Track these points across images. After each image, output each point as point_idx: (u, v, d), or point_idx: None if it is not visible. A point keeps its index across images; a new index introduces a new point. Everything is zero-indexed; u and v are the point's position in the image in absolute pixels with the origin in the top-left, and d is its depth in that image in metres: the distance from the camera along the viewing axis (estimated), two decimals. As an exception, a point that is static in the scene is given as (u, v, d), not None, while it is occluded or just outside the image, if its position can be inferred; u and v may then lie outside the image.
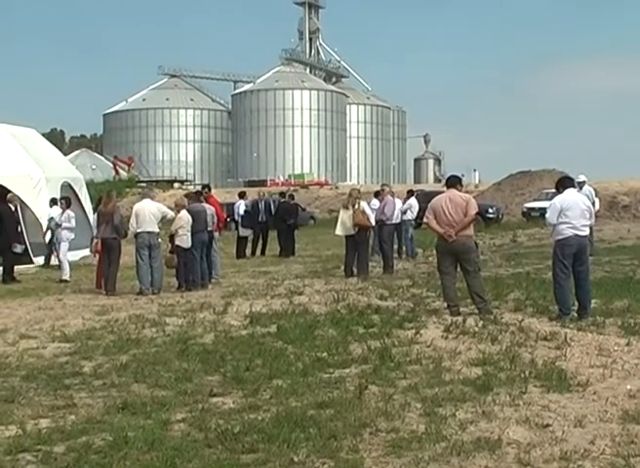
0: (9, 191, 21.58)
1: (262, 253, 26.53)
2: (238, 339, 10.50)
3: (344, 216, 18.20)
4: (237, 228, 26.82)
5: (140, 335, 10.96)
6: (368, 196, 22.50)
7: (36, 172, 24.75)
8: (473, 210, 12.23)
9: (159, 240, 16.75)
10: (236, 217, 27.10)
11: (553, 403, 7.22)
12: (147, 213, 16.50)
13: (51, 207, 21.83)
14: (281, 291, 15.71)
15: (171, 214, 16.70)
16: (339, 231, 18.44)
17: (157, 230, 16.62)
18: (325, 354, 9.33)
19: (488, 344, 9.76)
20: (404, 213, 23.47)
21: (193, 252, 16.77)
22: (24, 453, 6.08)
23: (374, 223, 18.77)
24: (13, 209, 20.15)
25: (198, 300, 14.47)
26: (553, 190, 13.29)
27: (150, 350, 9.94)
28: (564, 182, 12.36)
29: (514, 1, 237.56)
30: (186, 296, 15.33)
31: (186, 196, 18.07)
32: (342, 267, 18.77)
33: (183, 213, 16.68)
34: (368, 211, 18.46)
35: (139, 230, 16.43)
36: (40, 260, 22.86)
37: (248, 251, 26.31)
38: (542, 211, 12.91)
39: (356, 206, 18.02)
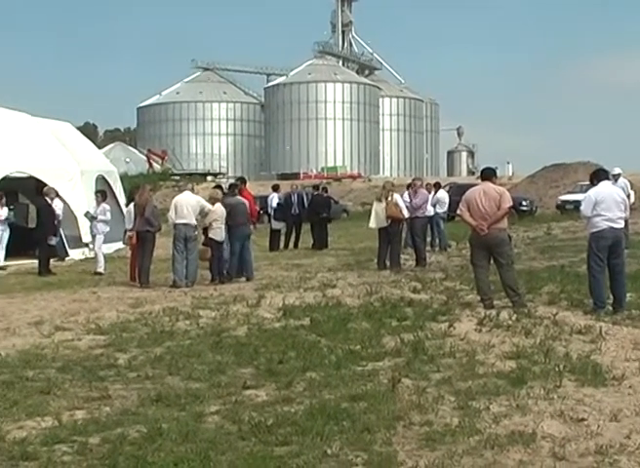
0: (45, 184, 21.73)
1: (295, 245, 26.53)
2: (271, 332, 10.52)
3: (378, 209, 18.18)
4: (270, 221, 26.86)
5: (174, 328, 11.01)
6: (401, 189, 22.43)
7: (71, 165, 24.93)
8: (507, 203, 12.15)
9: (196, 233, 16.78)
10: (269, 210, 27.13)
11: (588, 397, 7.16)
12: (185, 205, 16.55)
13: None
14: (314, 283, 15.71)
15: (209, 207, 16.69)
16: (372, 224, 18.44)
17: (194, 223, 16.65)
18: (358, 347, 9.32)
19: (522, 338, 9.70)
20: (433, 206, 23.41)
21: (235, 244, 16.86)
22: (60, 444, 6.13)
23: (407, 216, 18.71)
24: (50, 202, 20.34)
25: (231, 293, 14.50)
26: (588, 183, 13.18)
27: (184, 342, 9.98)
28: (599, 175, 12.25)
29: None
30: (220, 289, 15.37)
31: (217, 188, 18.11)
32: (375, 260, 18.74)
33: (217, 206, 16.71)
34: (401, 203, 18.41)
35: (176, 222, 16.50)
36: (75, 253, 23.02)
37: (281, 244, 26.34)
38: (577, 203, 12.82)
39: (389, 198, 18.00)
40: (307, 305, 12.54)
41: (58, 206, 20.74)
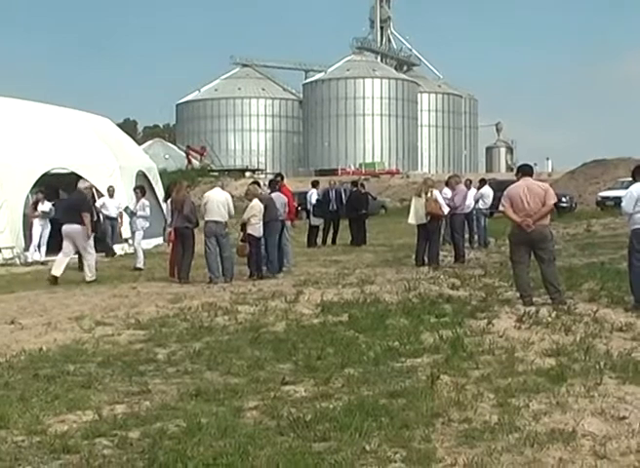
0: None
1: (334, 241, 26.54)
2: (310, 328, 10.53)
3: (417, 205, 18.14)
4: (309, 217, 26.88)
5: (213, 323, 11.06)
6: (439, 185, 22.36)
7: (111, 161, 25.11)
8: (552, 199, 12.10)
9: (226, 230, 16.78)
10: (308, 206, 27.15)
11: (629, 395, 7.09)
12: (215, 202, 16.57)
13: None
14: (352, 280, 15.71)
15: (232, 207, 16.64)
16: (411, 220, 18.39)
17: (224, 220, 16.63)
18: (396, 343, 9.30)
19: (562, 335, 9.64)
20: (476, 202, 23.35)
21: (267, 239, 16.90)
22: (101, 438, 6.17)
23: (446, 212, 18.66)
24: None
25: (270, 289, 14.54)
26: (629, 179, 13.05)
27: (223, 338, 10.02)
28: (640, 171, 12.11)
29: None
30: (258, 285, 15.41)
31: (254, 184, 18.14)
32: (414, 256, 18.70)
33: (255, 201, 16.73)
34: (440, 199, 18.36)
35: (206, 219, 16.54)
36: (116, 249, 23.18)
37: (319, 240, 26.36)
38: (618, 200, 12.69)
39: (429, 194, 17.95)
40: (346, 301, 12.54)
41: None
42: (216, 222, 16.49)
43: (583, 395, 7.08)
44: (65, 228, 17.33)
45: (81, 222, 17.09)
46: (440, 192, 19.18)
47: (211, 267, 16.45)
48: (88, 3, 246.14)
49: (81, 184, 18.56)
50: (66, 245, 17.31)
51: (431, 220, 17.97)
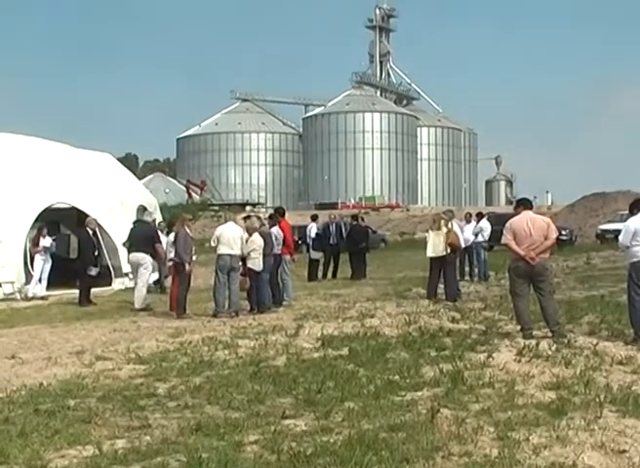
0: (87, 215, 21.94)
1: (334, 275, 26.53)
2: (310, 362, 10.52)
3: (435, 238, 18.12)
4: (309, 251, 26.89)
5: (213, 357, 11.05)
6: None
7: (112, 196, 25.17)
8: (554, 233, 12.18)
9: (239, 263, 16.81)
10: (308, 240, 27.16)
11: (630, 428, 7.08)
12: (231, 235, 16.63)
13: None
14: (352, 313, 15.71)
15: (244, 241, 16.70)
16: (429, 252, 18.34)
17: (239, 253, 16.67)
18: (397, 377, 9.31)
19: (562, 368, 9.64)
20: (475, 235, 23.44)
21: (263, 274, 16.91)
22: (101, 473, 6.17)
23: (463, 245, 18.91)
24: (91, 233, 20.51)
25: (270, 323, 14.54)
26: (627, 212, 13.11)
27: (223, 372, 10.02)
28: (638, 204, 12.18)
29: (584, 18, 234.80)
30: (258, 319, 15.42)
31: (248, 218, 18.14)
32: (414, 290, 18.70)
33: (256, 235, 16.78)
34: (459, 232, 18.53)
35: (220, 252, 16.54)
36: (116, 283, 23.18)
37: (320, 273, 26.36)
38: (617, 232, 12.70)
39: (449, 225, 18.03)
40: (346, 335, 12.54)
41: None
42: (231, 256, 16.52)
43: (584, 428, 7.08)
44: (134, 256, 18.42)
45: (151, 252, 18.15)
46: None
47: (217, 301, 16.46)
48: (87, 34, 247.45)
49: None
50: (142, 273, 18.38)
51: (450, 252, 18.02)
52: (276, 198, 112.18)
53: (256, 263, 16.66)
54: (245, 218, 17.93)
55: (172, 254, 17.53)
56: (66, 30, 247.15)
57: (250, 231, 16.89)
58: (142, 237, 18.47)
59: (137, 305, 17.89)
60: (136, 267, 18.32)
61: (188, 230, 17.31)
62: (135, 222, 20.84)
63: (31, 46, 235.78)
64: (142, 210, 24.15)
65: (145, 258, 18.24)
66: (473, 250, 23.42)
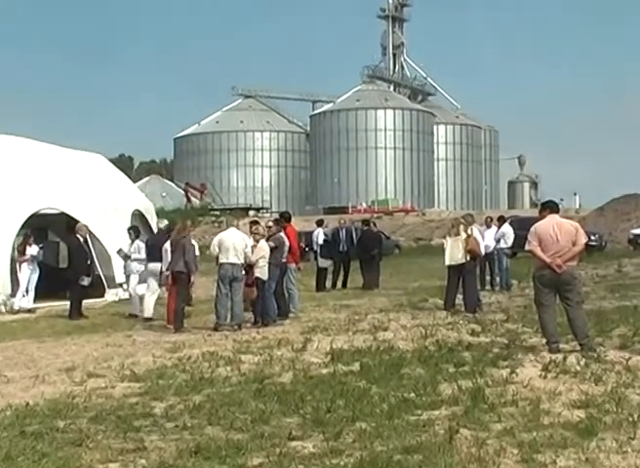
0: (77, 221, 21.94)
1: (344, 285, 26.54)
2: (318, 378, 10.53)
3: (454, 244, 18.09)
4: (316, 259, 26.87)
5: (214, 374, 11.06)
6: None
7: (104, 200, 25.20)
8: (583, 238, 12.14)
9: (243, 272, 16.84)
10: (315, 247, 27.15)
11: (665, 450, 7.07)
12: (232, 243, 16.61)
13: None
14: (364, 326, 15.72)
15: (249, 248, 16.67)
16: (448, 260, 18.30)
17: (242, 262, 16.63)
18: (412, 394, 9.30)
19: (591, 385, 9.62)
20: (497, 241, 23.41)
21: (270, 284, 16.92)
22: (93, 500, 6.17)
23: (483, 252, 18.87)
24: (81, 240, 20.53)
25: (275, 336, 14.55)
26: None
27: (225, 390, 10.02)
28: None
29: (617, 8, 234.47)
30: (262, 332, 15.42)
31: (254, 223, 18.20)
32: (430, 300, 18.70)
33: (263, 242, 16.77)
34: (480, 238, 18.48)
35: (221, 261, 16.55)
36: (109, 294, 23.22)
37: (328, 283, 26.36)
38: (651, 238, 12.61)
39: (468, 231, 17.97)
40: (357, 349, 12.54)
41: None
42: (232, 264, 16.50)
43: (615, 450, 7.06)
44: (153, 266, 18.58)
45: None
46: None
47: (219, 313, 16.45)
48: (78, 27, 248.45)
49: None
50: (152, 282, 18.66)
51: (469, 260, 17.98)
52: (281, 202, 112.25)
53: (263, 272, 16.66)
54: (251, 224, 17.93)
55: (166, 263, 17.53)
56: (53, 23, 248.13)
57: (257, 238, 16.87)
58: (156, 246, 18.55)
59: (146, 314, 18.34)
60: (150, 276, 18.57)
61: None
62: (129, 229, 20.90)
63: (12, 39, 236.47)
64: (139, 215, 24.27)
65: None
66: (495, 257, 23.39)
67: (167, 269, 17.48)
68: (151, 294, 18.57)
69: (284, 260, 17.82)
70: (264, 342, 13.92)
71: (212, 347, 13.55)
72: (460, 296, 18.39)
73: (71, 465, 7.03)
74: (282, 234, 17.98)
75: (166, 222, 20.71)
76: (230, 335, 15.15)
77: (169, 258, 17.37)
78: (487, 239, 21.91)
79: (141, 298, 19.03)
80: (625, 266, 29.78)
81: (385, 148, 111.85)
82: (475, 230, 18.46)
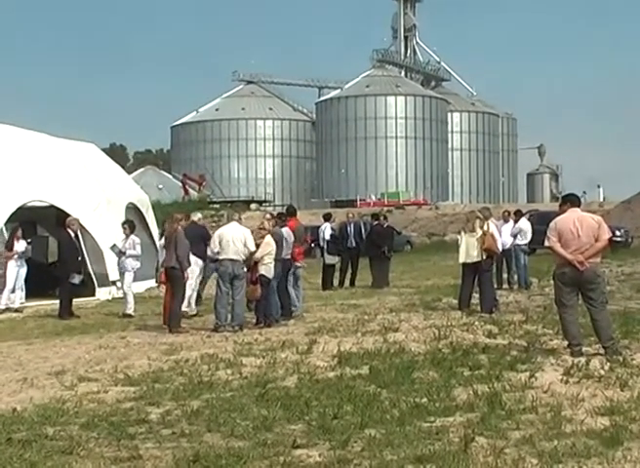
0: (67, 215, 21.93)
1: (352, 283, 26.56)
2: (325, 382, 10.53)
3: (469, 241, 18.02)
4: (323, 255, 26.87)
5: (214, 378, 11.06)
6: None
7: (96, 192, 25.20)
8: (606, 234, 12.09)
9: (244, 269, 16.85)
10: (321, 243, 27.14)
11: (695, 459, 7.07)
12: (232, 238, 16.57)
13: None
14: (374, 327, 15.72)
15: (252, 244, 16.61)
16: (462, 258, 18.25)
17: (242, 258, 16.60)
18: (425, 400, 9.31)
19: (616, 390, 9.62)
20: (514, 236, 23.37)
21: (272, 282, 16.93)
22: (84, 511, 6.18)
23: (500, 250, 18.83)
24: (72, 235, 20.51)
25: (279, 338, 14.56)
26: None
27: (225, 395, 10.03)
28: None
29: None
30: (265, 333, 15.43)
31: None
32: (444, 299, 18.69)
33: (269, 238, 16.74)
34: (497, 235, 18.40)
35: (222, 257, 16.53)
36: (102, 293, 23.23)
37: (335, 281, 26.36)
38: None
39: (485, 227, 17.87)
40: (366, 352, 12.55)
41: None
42: (232, 261, 16.46)
43: (642, 460, 7.06)
44: (194, 259, 18.48)
45: (200, 255, 18.55)
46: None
47: (219, 313, 16.44)
48: (70, 11, 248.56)
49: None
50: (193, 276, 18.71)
51: (486, 258, 17.93)
52: (286, 194, 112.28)
53: (269, 269, 16.64)
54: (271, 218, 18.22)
55: (162, 260, 17.54)
56: (44, 8, 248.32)
57: (263, 233, 16.84)
58: (198, 237, 18.71)
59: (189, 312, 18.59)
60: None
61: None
62: (124, 223, 20.89)
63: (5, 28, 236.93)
64: (134, 209, 24.24)
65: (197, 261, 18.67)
66: (512, 254, 23.35)
67: (161, 265, 17.50)
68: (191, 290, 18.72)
69: (287, 257, 17.80)
70: (267, 344, 13.93)
71: (211, 349, 13.56)
72: (475, 296, 18.39)
73: (61, 475, 7.03)
74: (285, 229, 17.97)
75: (200, 215, 21.28)
76: (231, 337, 15.17)
77: (163, 255, 17.39)
78: (504, 235, 21.85)
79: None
80: (653, 264, 29.77)
81: (396, 137, 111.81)
82: (492, 226, 18.38)
